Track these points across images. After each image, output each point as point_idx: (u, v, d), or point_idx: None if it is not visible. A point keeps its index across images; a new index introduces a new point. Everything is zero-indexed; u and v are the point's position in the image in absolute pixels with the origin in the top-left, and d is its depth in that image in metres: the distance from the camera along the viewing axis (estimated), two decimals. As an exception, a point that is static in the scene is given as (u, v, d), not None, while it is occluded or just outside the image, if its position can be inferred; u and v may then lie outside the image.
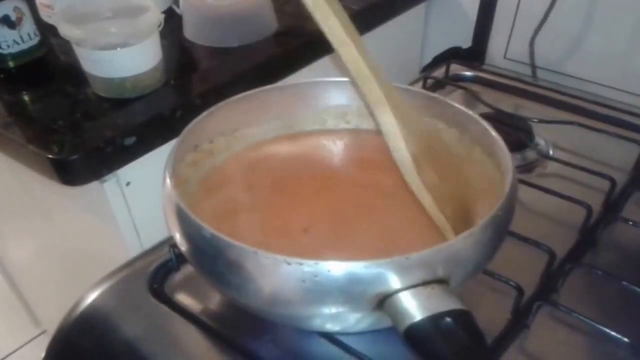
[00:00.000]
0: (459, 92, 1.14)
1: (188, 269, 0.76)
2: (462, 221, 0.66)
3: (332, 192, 0.74)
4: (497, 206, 0.57)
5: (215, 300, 0.72)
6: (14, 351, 1.91)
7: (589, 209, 0.79)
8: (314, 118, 0.82)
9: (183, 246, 0.60)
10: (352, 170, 0.78)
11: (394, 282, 0.52)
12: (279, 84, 0.86)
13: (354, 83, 0.66)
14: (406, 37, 1.39)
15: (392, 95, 0.64)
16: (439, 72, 1.19)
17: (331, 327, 0.60)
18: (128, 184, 0.90)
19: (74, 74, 0.96)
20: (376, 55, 1.08)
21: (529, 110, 1.10)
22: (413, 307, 0.51)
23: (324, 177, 0.76)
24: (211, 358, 0.66)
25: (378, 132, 0.74)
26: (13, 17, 0.92)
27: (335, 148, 0.81)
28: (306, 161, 0.79)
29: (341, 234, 0.67)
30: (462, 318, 0.51)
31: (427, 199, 0.66)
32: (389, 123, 0.64)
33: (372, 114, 0.66)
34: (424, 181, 0.65)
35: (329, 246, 0.65)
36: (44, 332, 1.87)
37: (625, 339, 0.65)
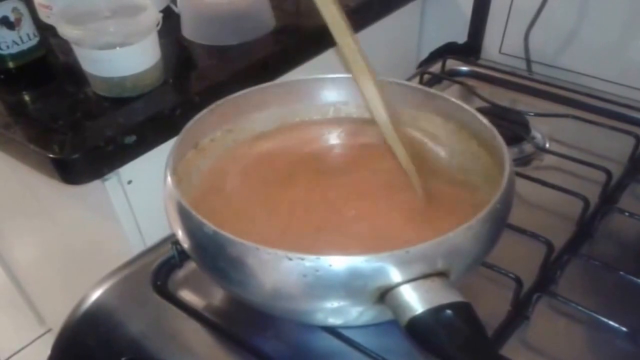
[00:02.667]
0: (456, 86, 1.14)
1: (191, 266, 0.76)
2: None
3: (333, 185, 0.74)
4: (495, 199, 0.57)
5: (218, 296, 0.73)
6: (20, 350, 1.91)
7: (585, 201, 0.80)
8: (313, 114, 0.82)
9: (185, 243, 0.60)
10: (350, 161, 0.78)
11: (395, 275, 0.52)
12: (278, 81, 0.87)
13: (343, 59, 0.71)
14: (402, 33, 1.40)
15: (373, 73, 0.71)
16: (436, 68, 1.19)
17: (333, 321, 0.61)
18: (129, 182, 0.90)
19: (74, 74, 0.96)
20: (373, 52, 1.09)
21: (524, 103, 1.10)
22: (414, 300, 0.51)
23: (324, 170, 0.76)
24: (215, 354, 0.66)
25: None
26: (12, 18, 0.93)
27: (334, 139, 0.81)
28: (306, 155, 0.79)
29: (343, 226, 0.67)
30: (463, 310, 0.52)
31: (401, 151, 0.71)
32: (372, 91, 0.71)
33: (356, 83, 0.72)
34: (400, 137, 0.71)
35: (331, 239, 0.66)
36: (49, 330, 1.88)
37: (624, 328, 0.65)
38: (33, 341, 1.92)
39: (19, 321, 1.88)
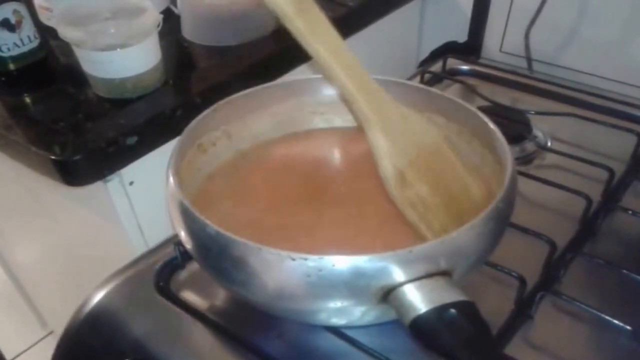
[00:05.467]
0: (456, 86, 1.14)
1: (193, 267, 0.76)
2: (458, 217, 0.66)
3: (335, 190, 0.74)
4: (497, 198, 0.57)
5: (221, 296, 0.73)
6: (22, 353, 1.91)
7: (588, 200, 0.79)
8: (315, 113, 0.82)
9: (188, 244, 0.60)
10: (353, 162, 0.78)
11: (398, 275, 0.52)
12: (279, 80, 0.87)
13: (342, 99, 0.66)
14: (402, 32, 1.40)
15: (381, 102, 0.66)
16: (436, 67, 1.19)
17: (337, 321, 0.61)
18: (131, 183, 0.90)
19: (75, 75, 0.96)
20: (373, 51, 1.09)
21: (525, 102, 1.10)
22: (417, 299, 0.51)
23: (326, 175, 0.76)
24: (218, 354, 0.66)
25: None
26: (13, 20, 0.93)
27: (337, 147, 0.81)
28: (309, 160, 0.79)
29: (343, 230, 0.68)
30: (467, 309, 0.52)
31: (410, 214, 0.66)
32: (377, 142, 0.65)
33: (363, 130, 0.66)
34: (408, 197, 0.66)
35: (331, 244, 0.66)
36: (50, 333, 1.87)
37: (628, 327, 0.65)
38: (35, 344, 1.91)
39: (21, 324, 1.87)
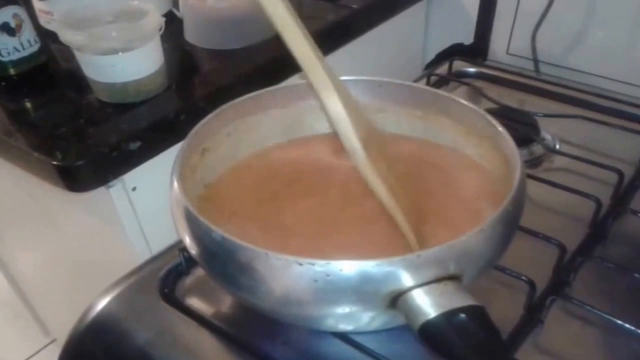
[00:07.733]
0: (463, 88, 1.14)
1: (198, 273, 0.76)
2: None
3: (338, 195, 0.73)
4: (506, 201, 0.57)
5: (226, 302, 0.72)
6: (24, 360, 1.91)
7: (598, 202, 0.79)
8: (320, 117, 0.81)
9: (193, 249, 0.60)
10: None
11: (407, 279, 0.51)
12: (283, 84, 0.86)
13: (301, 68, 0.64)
14: (408, 34, 1.39)
15: (341, 87, 0.64)
16: (442, 69, 1.19)
17: (344, 326, 0.60)
18: (134, 189, 0.90)
19: (76, 80, 0.96)
20: (378, 53, 1.07)
21: (533, 104, 1.09)
22: (426, 304, 0.51)
23: (330, 181, 0.75)
24: (224, 361, 0.66)
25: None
26: (13, 24, 0.92)
27: (343, 151, 0.80)
28: (312, 166, 0.78)
29: (349, 237, 0.67)
30: (477, 314, 0.51)
31: (381, 189, 0.64)
32: (338, 109, 0.62)
33: (318, 99, 0.63)
34: (378, 169, 0.64)
35: (338, 249, 0.65)
36: (53, 341, 1.88)
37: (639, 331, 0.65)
38: (37, 352, 1.91)
39: (23, 332, 1.88)
